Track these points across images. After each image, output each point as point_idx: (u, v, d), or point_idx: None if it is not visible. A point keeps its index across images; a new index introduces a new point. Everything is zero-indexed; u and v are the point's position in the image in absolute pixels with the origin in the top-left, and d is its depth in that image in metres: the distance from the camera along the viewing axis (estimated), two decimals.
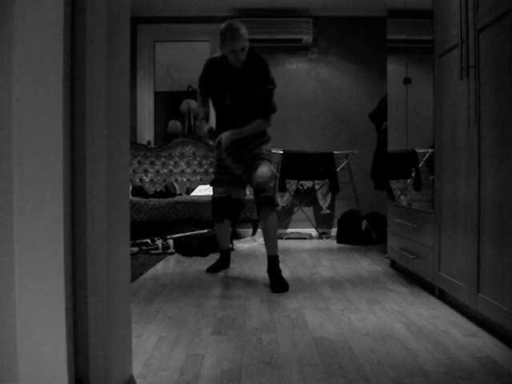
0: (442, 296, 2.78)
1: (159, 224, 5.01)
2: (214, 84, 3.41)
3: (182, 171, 5.91)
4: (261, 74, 3.28)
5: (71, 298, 1.45)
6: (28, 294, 1.39)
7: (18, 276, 1.39)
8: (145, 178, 5.87)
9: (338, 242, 5.31)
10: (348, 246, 5.13)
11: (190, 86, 6.25)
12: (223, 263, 3.73)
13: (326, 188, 5.80)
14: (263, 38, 5.71)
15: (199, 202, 5.01)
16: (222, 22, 3.26)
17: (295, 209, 5.88)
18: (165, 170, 5.90)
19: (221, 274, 3.64)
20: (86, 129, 1.47)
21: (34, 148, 1.38)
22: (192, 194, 5.57)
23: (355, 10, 5.79)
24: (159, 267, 3.89)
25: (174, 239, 4.61)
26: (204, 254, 4.40)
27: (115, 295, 1.56)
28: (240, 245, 5.15)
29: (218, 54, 3.38)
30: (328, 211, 5.85)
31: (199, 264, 4.00)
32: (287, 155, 5.66)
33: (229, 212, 3.56)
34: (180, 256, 4.43)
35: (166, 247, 4.55)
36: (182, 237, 4.60)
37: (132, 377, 1.71)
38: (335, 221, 5.82)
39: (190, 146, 5.95)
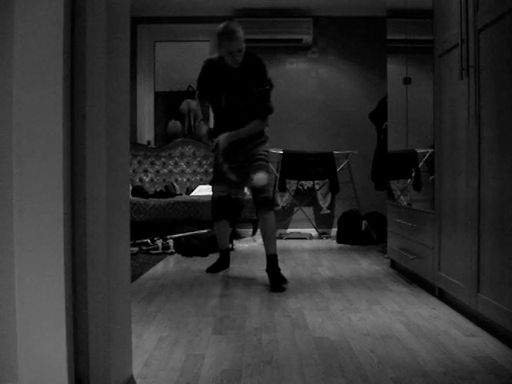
0: (442, 296, 2.78)
1: (159, 224, 5.01)
2: (212, 85, 3.41)
3: (182, 171, 5.91)
4: (257, 75, 3.29)
5: (71, 298, 1.45)
6: (28, 293, 1.39)
7: (18, 276, 1.39)
8: (145, 178, 5.87)
9: (338, 242, 5.31)
10: (348, 245, 5.13)
11: (190, 86, 6.25)
12: (223, 263, 3.73)
13: (326, 188, 5.80)
14: (263, 38, 5.71)
15: (199, 202, 5.02)
16: (221, 22, 3.26)
17: (295, 209, 5.88)
18: (165, 170, 5.90)
19: (221, 273, 3.64)
20: (86, 129, 1.47)
21: (34, 148, 1.38)
22: (192, 194, 5.57)
23: (355, 10, 5.79)
24: (159, 267, 3.89)
25: (174, 239, 4.61)
26: (204, 254, 4.40)
27: (115, 295, 1.56)
28: (240, 245, 5.15)
29: (216, 55, 3.39)
30: (328, 211, 5.85)
31: (199, 264, 4.00)
32: (287, 155, 5.66)
33: (228, 211, 3.56)
34: (180, 256, 4.43)
35: (166, 247, 4.55)
36: (182, 237, 4.60)
37: (132, 377, 1.71)
38: (335, 221, 5.82)
39: (190, 146, 5.95)
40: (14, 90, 1.38)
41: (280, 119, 5.86)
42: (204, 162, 5.92)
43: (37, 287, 1.39)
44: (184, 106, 6.35)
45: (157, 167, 5.90)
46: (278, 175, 5.74)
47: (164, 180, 5.85)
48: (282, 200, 5.83)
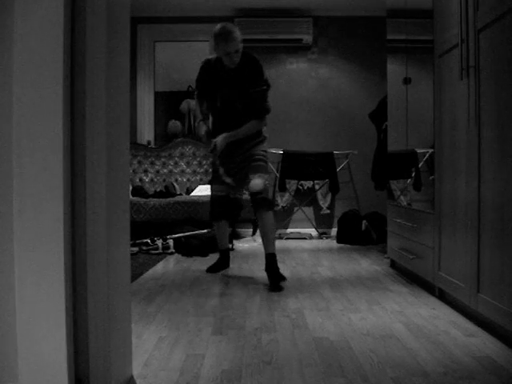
0: (442, 296, 2.78)
1: (159, 224, 5.01)
2: (210, 85, 3.43)
3: (182, 171, 5.91)
4: (255, 75, 3.30)
5: (71, 298, 1.45)
6: (28, 294, 1.39)
7: (18, 276, 1.39)
8: (145, 178, 5.87)
9: (338, 242, 5.31)
10: (348, 245, 5.13)
11: (189, 86, 6.25)
12: (223, 263, 3.74)
13: (326, 188, 5.80)
14: (263, 38, 5.72)
15: (199, 202, 5.01)
16: (222, 22, 3.28)
17: (295, 209, 5.88)
18: (165, 170, 5.90)
19: (221, 273, 3.64)
20: (86, 129, 1.47)
21: (34, 148, 1.38)
22: (192, 194, 5.57)
23: (355, 10, 5.79)
24: (159, 267, 3.89)
25: (174, 239, 4.61)
26: (204, 254, 4.40)
27: (115, 295, 1.56)
28: (240, 245, 5.15)
29: (214, 55, 3.40)
30: (328, 211, 5.85)
31: (199, 264, 4.00)
32: (287, 155, 5.66)
33: (227, 211, 3.57)
34: (180, 256, 4.43)
35: (166, 247, 4.55)
36: (182, 237, 4.60)
37: (132, 377, 1.71)
38: (335, 221, 5.82)
39: (189, 146, 5.95)
40: (14, 90, 1.38)
41: (280, 119, 5.87)
42: (204, 162, 5.92)
43: (37, 287, 1.39)
44: (184, 105, 6.35)
45: (157, 167, 5.90)
46: (277, 175, 5.74)
47: (164, 180, 5.85)
48: (282, 200, 5.83)
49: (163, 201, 5.05)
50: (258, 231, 5.45)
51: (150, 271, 3.70)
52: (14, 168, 1.39)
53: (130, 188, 5.38)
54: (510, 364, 1.82)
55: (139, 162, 5.86)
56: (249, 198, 3.47)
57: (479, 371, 1.75)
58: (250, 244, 5.23)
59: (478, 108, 2.24)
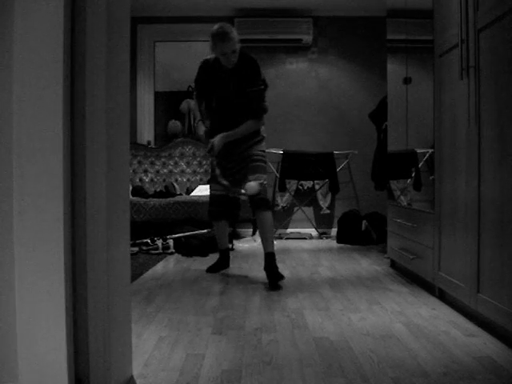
0: (442, 296, 2.78)
1: (159, 224, 5.01)
2: (209, 85, 3.44)
3: (182, 171, 5.91)
4: (252, 75, 3.32)
5: (71, 298, 1.45)
6: (28, 293, 1.39)
7: (18, 276, 1.39)
8: (145, 178, 5.87)
9: (338, 242, 5.31)
10: (348, 245, 5.13)
11: (190, 86, 6.25)
12: (223, 263, 3.74)
13: (326, 188, 5.80)
14: (263, 38, 5.72)
15: (199, 202, 5.01)
16: (219, 23, 3.29)
17: (295, 209, 5.88)
18: (165, 170, 5.90)
19: (221, 273, 3.64)
20: (86, 129, 1.47)
21: (34, 148, 1.38)
22: (192, 194, 5.57)
23: (355, 10, 5.79)
24: (159, 267, 3.89)
25: (174, 239, 4.61)
26: (204, 254, 4.40)
27: (115, 295, 1.56)
28: (240, 245, 5.15)
29: (212, 55, 3.41)
30: (328, 211, 5.85)
31: (199, 264, 4.00)
32: (287, 155, 5.66)
33: (226, 210, 3.57)
34: (180, 256, 4.43)
35: (166, 247, 4.55)
36: (182, 237, 4.60)
37: (132, 377, 1.71)
38: (335, 221, 5.82)
39: (189, 146, 5.95)
40: (14, 90, 1.38)
41: (280, 119, 5.87)
42: (204, 162, 5.92)
43: (37, 287, 1.39)
44: (184, 105, 6.35)
45: (157, 167, 5.90)
46: (277, 175, 5.74)
47: (164, 180, 5.85)
48: (282, 200, 5.83)
49: (163, 201, 5.05)
50: (257, 231, 5.45)
51: (150, 271, 3.70)
52: (14, 168, 1.39)
53: (130, 188, 5.38)
54: (510, 364, 1.82)
55: (139, 162, 5.86)
56: (246, 198, 3.48)
57: (479, 371, 1.75)
58: (249, 244, 5.23)
59: (478, 108, 2.24)
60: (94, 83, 1.47)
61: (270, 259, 3.30)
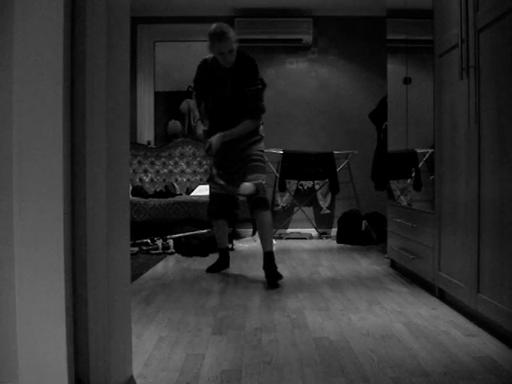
0: (442, 296, 2.78)
1: (159, 224, 5.01)
2: (207, 85, 3.45)
3: (182, 171, 5.91)
4: (249, 74, 3.34)
5: (71, 298, 1.45)
6: (28, 293, 1.39)
7: (18, 276, 1.39)
8: (145, 178, 5.87)
9: (338, 242, 5.31)
10: (348, 245, 5.13)
11: (189, 86, 6.24)
12: (223, 263, 3.74)
13: (326, 188, 5.80)
14: (263, 38, 5.71)
15: (199, 202, 5.01)
16: (217, 22, 3.30)
17: (295, 209, 5.88)
18: (165, 170, 5.90)
19: (221, 273, 3.64)
20: (86, 129, 1.47)
21: (34, 148, 1.38)
22: (192, 194, 5.57)
23: (355, 10, 5.79)
24: (159, 267, 3.89)
25: (174, 239, 4.61)
26: (204, 254, 4.40)
27: (115, 295, 1.56)
28: (240, 245, 5.15)
29: (211, 55, 3.43)
30: (328, 211, 5.85)
31: (199, 264, 4.00)
32: (287, 155, 5.66)
33: (225, 209, 3.58)
34: (180, 256, 4.43)
35: (166, 247, 4.55)
36: (182, 237, 4.60)
37: (132, 377, 1.71)
38: (335, 221, 5.81)
39: (189, 146, 5.95)
40: (14, 90, 1.38)
41: (280, 119, 5.86)
42: (204, 162, 5.91)
43: (37, 287, 1.39)
44: (184, 105, 6.35)
45: (157, 167, 5.90)
46: (277, 175, 5.74)
47: (164, 180, 5.85)
48: (282, 200, 5.83)
49: (163, 201, 5.05)
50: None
51: (150, 271, 3.70)
52: (14, 168, 1.39)
53: (130, 188, 5.38)
54: (510, 364, 1.82)
55: (139, 162, 5.86)
56: (245, 198, 3.49)
57: (479, 371, 1.75)
58: (249, 244, 5.23)
59: (478, 108, 2.24)
60: (94, 83, 1.47)
61: (268, 258, 3.32)
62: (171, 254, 4.51)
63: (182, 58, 6.46)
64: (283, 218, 5.85)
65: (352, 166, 5.90)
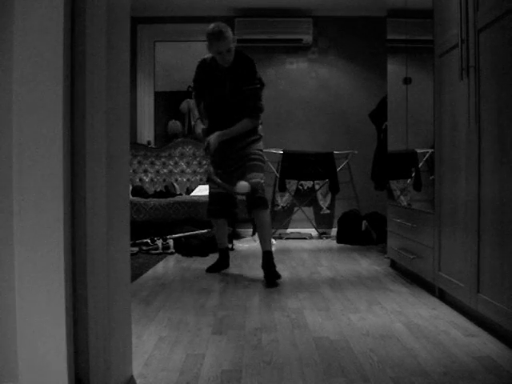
0: (442, 296, 2.78)
1: (159, 224, 5.01)
2: (206, 84, 3.45)
3: (182, 171, 5.91)
4: (248, 74, 3.35)
5: (71, 298, 1.45)
6: (28, 294, 1.39)
7: (18, 276, 1.39)
8: (145, 178, 5.87)
9: (338, 242, 5.31)
10: (348, 245, 5.13)
11: (189, 86, 6.23)
12: (223, 263, 3.74)
13: (326, 188, 5.80)
14: (263, 38, 5.71)
15: (199, 202, 5.01)
16: (215, 22, 3.31)
17: (295, 209, 5.88)
18: (165, 170, 5.90)
19: (221, 273, 3.64)
20: (86, 129, 1.47)
21: (33, 148, 1.38)
22: (192, 194, 5.57)
23: (355, 10, 5.78)
24: (159, 267, 3.89)
25: (174, 239, 4.61)
26: (204, 254, 4.40)
27: (115, 295, 1.56)
28: (240, 245, 5.15)
29: (209, 54, 3.43)
30: (328, 211, 5.85)
31: (199, 264, 4.00)
32: (287, 155, 5.66)
33: (225, 208, 3.58)
34: (180, 256, 4.43)
35: (166, 247, 4.55)
36: (182, 237, 4.60)
37: (132, 377, 1.71)
38: (335, 221, 5.81)
39: (190, 146, 5.95)
40: (14, 90, 1.38)
41: (280, 119, 5.86)
42: (204, 162, 5.91)
43: (37, 287, 1.39)
44: (184, 105, 6.35)
45: (157, 167, 5.90)
46: (277, 175, 5.74)
47: (164, 180, 5.85)
48: (282, 200, 5.83)
49: (163, 201, 5.05)
50: None
51: (150, 271, 3.70)
52: (14, 168, 1.39)
53: (130, 188, 5.38)
54: (510, 364, 1.82)
55: (139, 162, 5.86)
56: (244, 198, 3.49)
57: (479, 371, 1.75)
58: (249, 244, 5.23)
59: (478, 108, 2.24)
60: (94, 83, 1.47)
61: (267, 257, 3.35)
62: (171, 253, 4.51)
63: (182, 58, 6.45)
64: (283, 218, 5.85)
65: (352, 166, 5.90)
